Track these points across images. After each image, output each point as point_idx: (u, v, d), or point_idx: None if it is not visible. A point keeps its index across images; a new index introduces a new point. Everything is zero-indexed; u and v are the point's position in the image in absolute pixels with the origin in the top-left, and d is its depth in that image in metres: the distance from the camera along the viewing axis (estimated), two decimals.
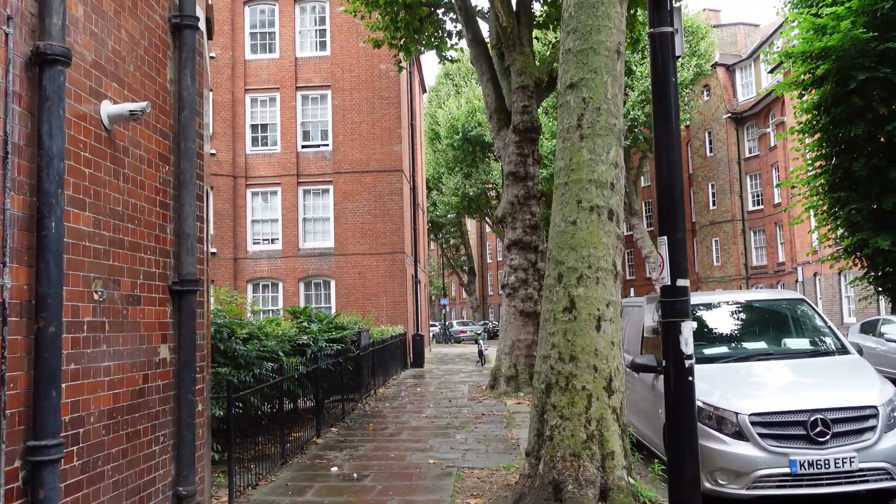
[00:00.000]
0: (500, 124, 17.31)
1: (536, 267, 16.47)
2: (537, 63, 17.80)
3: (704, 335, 8.37)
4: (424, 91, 39.57)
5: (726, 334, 8.73)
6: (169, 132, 5.59)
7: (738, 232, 43.13)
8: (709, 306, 8.98)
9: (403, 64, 21.29)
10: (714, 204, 44.88)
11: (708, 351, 8.05)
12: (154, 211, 5.30)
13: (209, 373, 7.29)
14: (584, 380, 6.65)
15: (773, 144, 40.16)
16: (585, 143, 7.11)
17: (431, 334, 42.03)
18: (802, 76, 16.54)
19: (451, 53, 21.52)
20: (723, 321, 8.90)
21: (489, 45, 18.28)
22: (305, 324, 13.53)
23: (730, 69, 43.94)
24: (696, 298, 9.20)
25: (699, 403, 6.90)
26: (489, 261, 77.55)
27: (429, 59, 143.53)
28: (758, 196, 42.31)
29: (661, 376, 8.03)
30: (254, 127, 25.72)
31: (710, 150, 45.23)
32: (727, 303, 9.23)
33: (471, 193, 52.02)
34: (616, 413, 6.73)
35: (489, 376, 16.85)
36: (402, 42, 20.06)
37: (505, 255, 17.13)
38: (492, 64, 17.93)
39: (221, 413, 8.28)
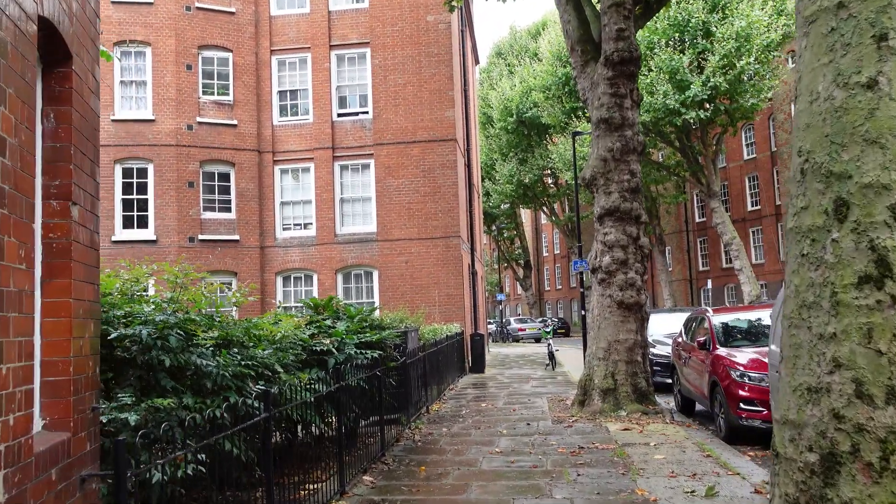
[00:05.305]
0: (584, 58, 13.23)
1: (638, 243, 12.40)
2: None
3: None
4: (477, 62, 35.58)
5: None
6: None
7: None
8: None
9: (455, 3, 17.39)
10: None
11: None
12: None
13: (79, 445, 3.50)
14: None
15: None
16: None
17: (488, 332, 38.08)
18: None
19: None
20: None
21: None
22: (329, 322, 9.72)
23: None
24: None
25: None
26: (545, 254, 73.36)
27: (481, 37, 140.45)
28: None
29: None
30: (282, 94, 21.98)
31: None
32: None
33: (526, 181, 48.52)
34: None
35: (577, 388, 12.80)
36: None
37: (595, 230, 13.05)
38: None
39: (166, 475, 4.54)
